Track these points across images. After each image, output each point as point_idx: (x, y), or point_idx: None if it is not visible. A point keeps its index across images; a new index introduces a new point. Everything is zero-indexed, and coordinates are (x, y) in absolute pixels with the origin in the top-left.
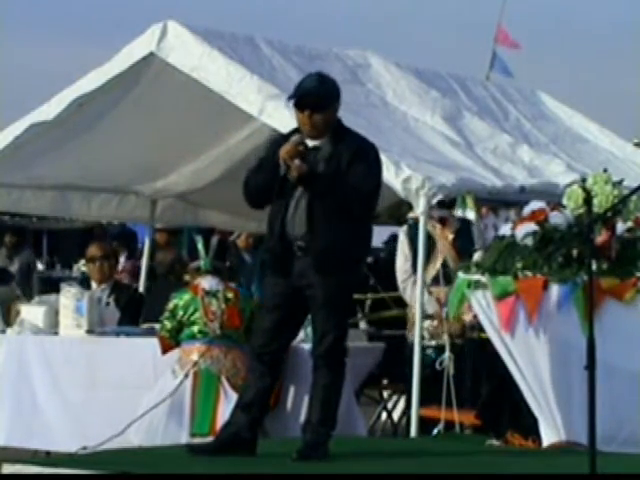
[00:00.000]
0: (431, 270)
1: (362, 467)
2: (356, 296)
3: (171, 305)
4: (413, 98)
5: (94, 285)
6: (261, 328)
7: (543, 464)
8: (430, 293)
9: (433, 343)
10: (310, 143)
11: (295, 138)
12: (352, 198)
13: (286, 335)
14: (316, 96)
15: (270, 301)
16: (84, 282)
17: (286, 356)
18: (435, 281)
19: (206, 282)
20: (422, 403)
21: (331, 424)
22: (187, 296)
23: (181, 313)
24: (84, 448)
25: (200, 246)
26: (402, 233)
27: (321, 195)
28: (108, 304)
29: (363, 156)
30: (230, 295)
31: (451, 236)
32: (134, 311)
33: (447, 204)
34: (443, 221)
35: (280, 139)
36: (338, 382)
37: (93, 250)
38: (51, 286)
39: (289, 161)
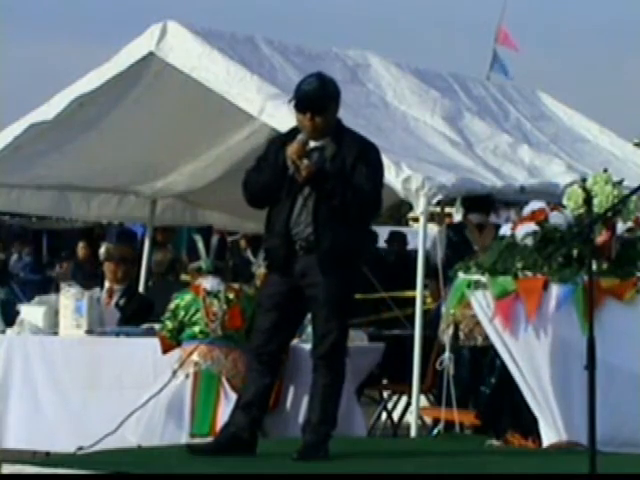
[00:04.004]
0: None
1: (362, 467)
2: (357, 296)
3: (172, 305)
4: (413, 98)
5: (107, 284)
6: (260, 328)
7: (543, 464)
8: None
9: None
10: (312, 143)
11: (301, 137)
12: (355, 199)
13: (284, 335)
14: (317, 98)
15: (269, 300)
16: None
17: (286, 356)
18: None
19: (207, 282)
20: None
21: (331, 424)
22: (188, 296)
23: (182, 313)
24: (80, 448)
25: (200, 246)
26: (439, 234)
27: (328, 195)
28: (117, 305)
29: (366, 157)
30: (231, 296)
31: (488, 242)
32: (142, 319)
33: (485, 209)
34: (481, 227)
35: (279, 139)
36: (338, 382)
37: (119, 251)
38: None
39: (298, 161)
